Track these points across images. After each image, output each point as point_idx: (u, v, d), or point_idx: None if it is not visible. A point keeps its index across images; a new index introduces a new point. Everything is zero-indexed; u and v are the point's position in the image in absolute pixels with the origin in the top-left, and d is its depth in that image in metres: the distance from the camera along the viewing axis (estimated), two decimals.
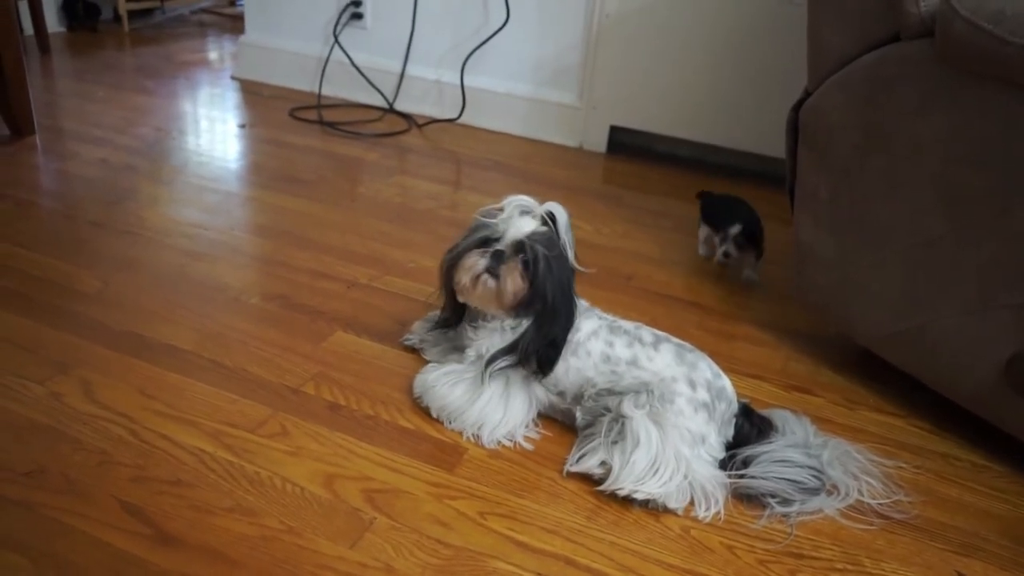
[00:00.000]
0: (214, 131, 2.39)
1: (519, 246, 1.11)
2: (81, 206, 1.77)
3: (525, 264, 1.10)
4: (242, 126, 2.44)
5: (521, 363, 1.14)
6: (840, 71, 1.26)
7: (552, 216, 1.12)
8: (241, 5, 3.41)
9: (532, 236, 1.11)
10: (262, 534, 0.94)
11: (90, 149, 2.11)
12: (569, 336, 1.14)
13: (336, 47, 2.68)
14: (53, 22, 3.28)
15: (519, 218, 1.13)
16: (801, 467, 1.07)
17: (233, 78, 2.91)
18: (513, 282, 1.11)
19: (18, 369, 1.19)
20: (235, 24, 3.79)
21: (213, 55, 3.29)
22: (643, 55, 2.33)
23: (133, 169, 2.02)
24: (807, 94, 1.35)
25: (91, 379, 1.19)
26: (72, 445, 1.05)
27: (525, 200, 1.13)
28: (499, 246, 1.12)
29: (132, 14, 3.51)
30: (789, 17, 2.12)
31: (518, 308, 1.13)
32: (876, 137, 1.22)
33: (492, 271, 1.12)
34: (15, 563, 0.87)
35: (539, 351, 1.13)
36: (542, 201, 1.14)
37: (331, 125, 2.49)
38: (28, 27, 3.05)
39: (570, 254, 1.13)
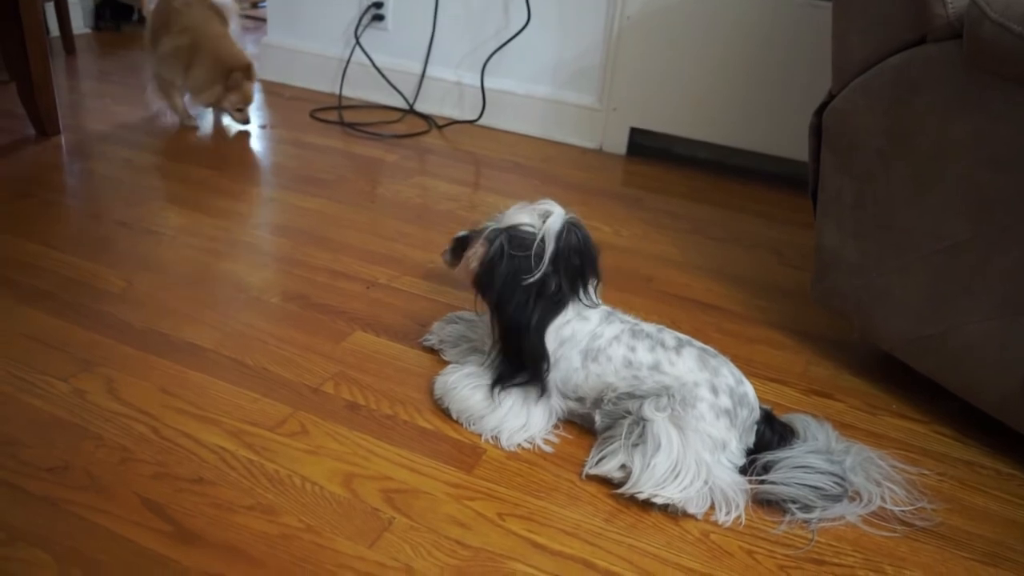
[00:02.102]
0: (235, 131, 2.41)
1: (491, 232, 1.12)
2: (106, 206, 1.79)
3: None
4: (263, 127, 2.45)
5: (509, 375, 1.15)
6: (865, 73, 1.25)
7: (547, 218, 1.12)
8: (264, 7, 3.44)
9: (510, 228, 1.11)
10: (282, 532, 0.95)
11: (114, 149, 2.14)
12: (590, 343, 1.13)
13: (357, 49, 2.69)
14: (79, 23, 3.32)
15: (518, 211, 1.13)
16: (823, 473, 1.06)
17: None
18: (467, 262, 1.15)
19: (43, 366, 1.20)
20: (257, 26, 3.82)
21: None
22: (664, 57, 2.32)
23: (156, 169, 2.04)
24: (831, 96, 1.34)
25: (114, 377, 1.20)
26: (95, 442, 1.06)
27: (548, 203, 1.13)
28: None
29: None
30: (812, 19, 2.10)
31: (478, 294, 1.16)
32: (901, 140, 1.21)
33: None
34: (39, 559, 0.88)
35: (500, 356, 1.15)
36: (566, 205, 1.14)
37: (352, 126, 2.50)
38: (54, 28, 3.09)
39: (544, 260, 1.08)
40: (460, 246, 1.43)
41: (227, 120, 2.43)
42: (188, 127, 2.37)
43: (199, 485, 1.00)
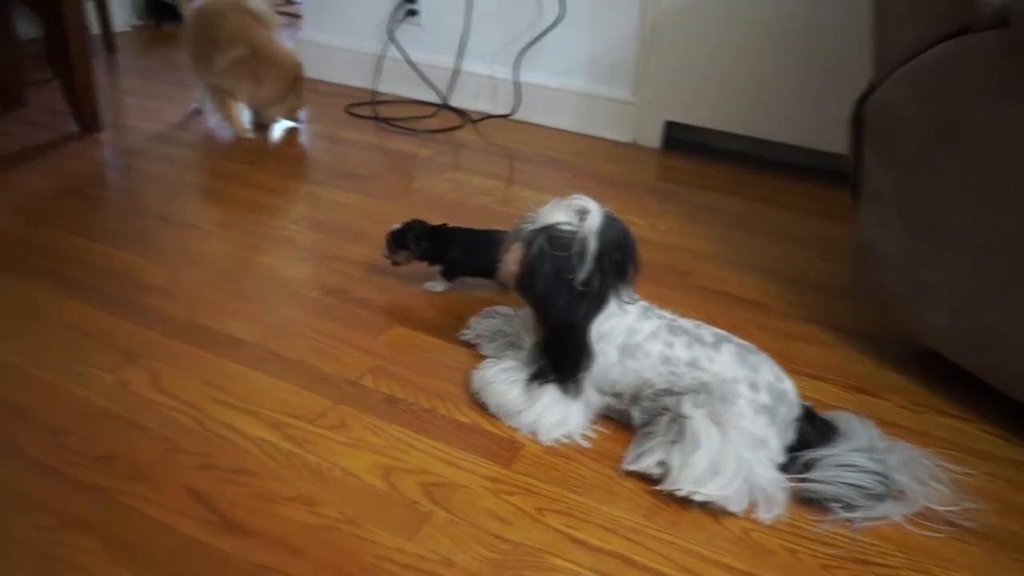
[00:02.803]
0: (272, 127, 2.43)
1: (529, 234, 1.11)
2: (146, 200, 1.82)
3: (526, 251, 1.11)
4: (299, 122, 2.47)
5: (546, 372, 1.14)
6: (908, 64, 1.22)
7: (585, 216, 1.10)
8: (298, 3, 3.46)
9: (548, 228, 1.10)
10: (322, 523, 0.96)
11: (154, 145, 2.17)
12: (628, 338, 1.13)
13: (391, 44, 2.70)
14: (120, 21, 3.37)
15: (553, 209, 1.12)
16: (866, 472, 1.04)
17: None
18: (507, 264, 1.14)
19: (90, 358, 1.23)
20: (292, 22, 3.85)
21: None
22: (699, 49, 2.29)
23: (195, 164, 2.07)
24: (872, 88, 1.32)
25: (158, 368, 1.22)
26: (140, 432, 1.08)
27: (582, 198, 1.12)
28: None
29: None
30: (851, 8, 2.07)
31: (520, 295, 1.15)
32: (946, 132, 1.18)
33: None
34: (88, 544, 0.90)
35: (545, 354, 1.14)
36: (600, 200, 1.13)
37: (386, 121, 2.51)
38: (94, 26, 3.14)
39: (587, 259, 1.07)
40: (396, 241, 1.46)
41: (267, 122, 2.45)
42: (244, 137, 2.33)
43: (242, 476, 1.02)
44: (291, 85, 2.30)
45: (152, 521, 0.94)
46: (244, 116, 2.39)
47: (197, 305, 1.40)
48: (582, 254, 1.07)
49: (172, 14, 3.56)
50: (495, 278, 1.46)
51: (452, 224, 1.50)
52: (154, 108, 2.48)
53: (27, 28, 2.97)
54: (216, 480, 1.01)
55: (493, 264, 1.42)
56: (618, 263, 1.12)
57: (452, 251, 1.46)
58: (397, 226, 1.47)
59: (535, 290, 1.11)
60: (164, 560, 0.89)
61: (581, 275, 1.07)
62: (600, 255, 1.08)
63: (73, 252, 1.55)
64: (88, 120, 2.19)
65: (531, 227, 1.12)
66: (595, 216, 1.09)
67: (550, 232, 1.09)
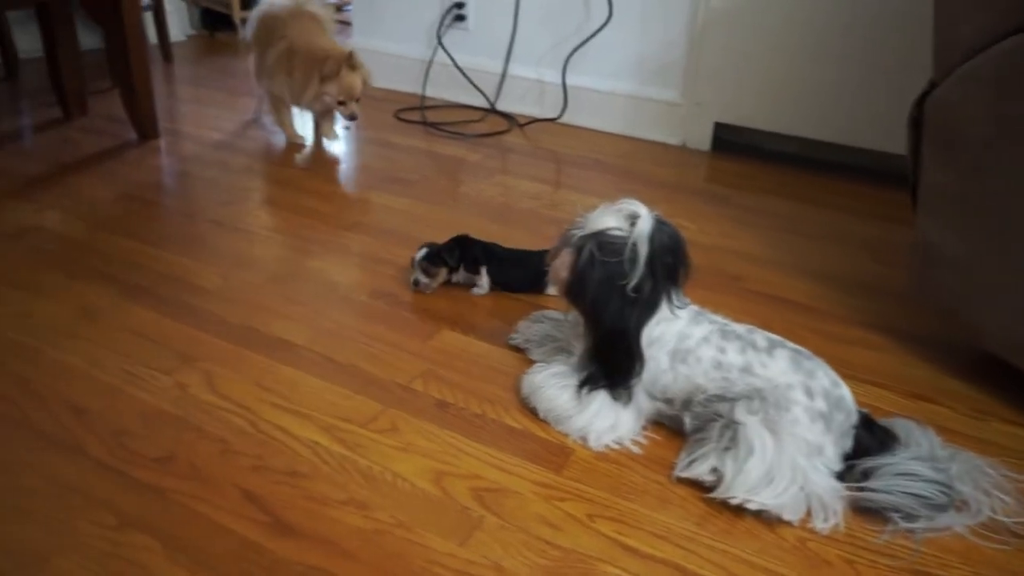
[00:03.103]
0: (329, 135, 2.46)
1: (579, 240, 1.10)
2: (201, 205, 1.86)
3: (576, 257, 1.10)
4: (347, 127, 2.50)
5: (595, 378, 1.14)
6: (971, 60, 1.19)
7: (635, 221, 1.08)
8: (348, 10, 3.51)
9: (597, 234, 1.08)
10: (374, 527, 0.96)
11: (209, 151, 2.22)
12: (679, 343, 1.11)
13: (439, 49, 2.72)
14: (176, 31, 3.46)
15: (602, 214, 1.11)
16: (927, 481, 1.01)
17: None
18: (557, 271, 1.13)
19: (148, 360, 1.26)
20: (342, 29, 3.90)
21: None
22: (751, 49, 2.26)
23: (249, 170, 2.10)
24: (932, 86, 1.28)
25: (213, 371, 1.24)
26: (196, 434, 1.10)
27: (631, 202, 1.11)
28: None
29: (246, 22, 3.66)
30: (905, 4, 2.01)
31: (570, 302, 1.15)
32: (1011, 130, 1.14)
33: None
34: (148, 544, 0.92)
35: (595, 361, 1.13)
36: (649, 203, 1.11)
37: (434, 126, 2.53)
38: (152, 36, 3.22)
39: (638, 264, 1.06)
40: (432, 259, 1.48)
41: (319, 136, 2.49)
42: (296, 144, 2.34)
43: (294, 478, 1.03)
44: (317, 68, 2.12)
45: (209, 522, 0.96)
46: (301, 126, 2.41)
47: (249, 308, 1.43)
48: (633, 259, 1.06)
49: (226, 24, 3.65)
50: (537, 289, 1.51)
51: (478, 239, 1.55)
52: (209, 115, 2.54)
53: (88, 39, 3.07)
54: (270, 482, 1.02)
55: (523, 281, 1.51)
56: (669, 267, 1.10)
57: (489, 267, 1.50)
58: (425, 248, 1.48)
59: (586, 297, 1.10)
60: (220, 561, 0.90)
61: (633, 281, 1.06)
62: (651, 260, 1.07)
63: (132, 256, 1.59)
64: (146, 128, 2.25)
65: (580, 233, 1.11)
66: (646, 220, 1.08)
67: (600, 238, 1.08)
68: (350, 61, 2.13)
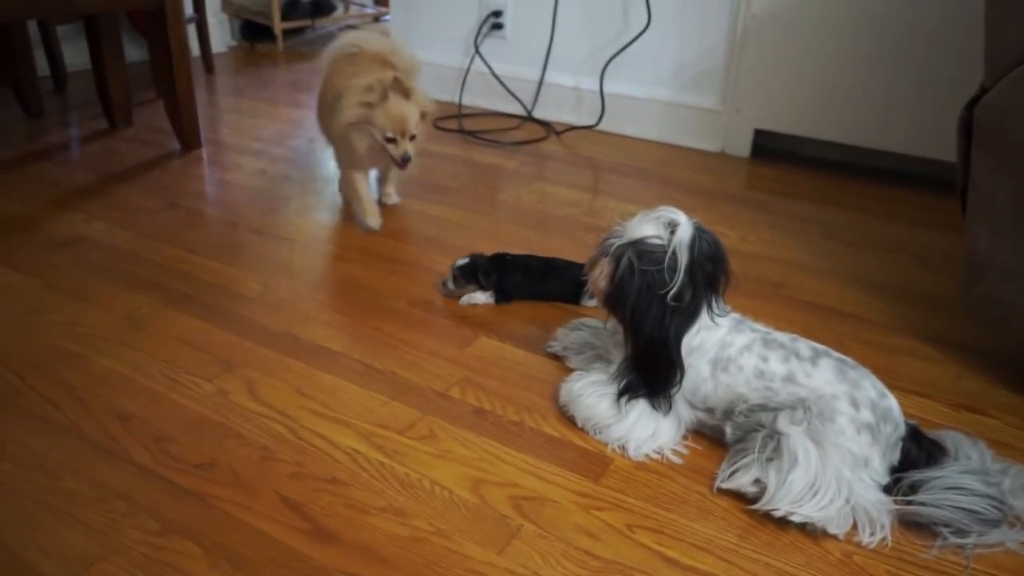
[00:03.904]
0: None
1: (617, 249, 1.09)
2: (242, 214, 1.89)
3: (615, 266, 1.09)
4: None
5: (635, 387, 1.13)
6: (1023, 64, 1.15)
7: (674, 229, 1.07)
8: (386, 20, 3.55)
9: (636, 242, 1.07)
10: (413, 535, 0.96)
11: (250, 161, 2.25)
12: (720, 352, 1.10)
13: (477, 58, 2.73)
14: (217, 42, 3.53)
15: (641, 222, 1.09)
16: (979, 496, 0.98)
17: None
18: (596, 281, 1.11)
19: (190, 367, 1.28)
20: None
21: None
22: (791, 55, 2.23)
23: (288, 179, 2.13)
24: (983, 90, 1.25)
25: (253, 378, 1.25)
26: (237, 440, 1.11)
27: (670, 210, 1.09)
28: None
29: (286, 33, 3.72)
30: (957, 6, 1.97)
31: (609, 311, 1.14)
32: None
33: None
34: (190, 550, 0.93)
35: (635, 370, 1.12)
36: (682, 209, 1.10)
37: (472, 134, 2.53)
38: (195, 48, 3.29)
39: (678, 273, 1.04)
40: (467, 273, 1.47)
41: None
42: (368, 230, 1.80)
43: (334, 485, 1.04)
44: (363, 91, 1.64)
45: (250, 528, 0.96)
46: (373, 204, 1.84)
47: (289, 316, 1.44)
48: (673, 268, 1.05)
49: (267, 35, 3.71)
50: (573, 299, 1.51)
51: (510, 253, 1.55)
52: (250, 125, 2.57)
53: (133, 52, 3.14)
54: (309, 489, 1.03)
55: (560, 292, 1.51)
56: (710, 275, 1.09)
57: (515, 277, 1.50)
58: (464, 260, 1.48)
59: (625, 306, 1.09)
60: (261, 568, 0.91)
61: (673, 289, 1.05)
62: (691, 268, 1.05)
63: (176, 265, 1.62)
64: (189, 137, 2.29)
65: (619, 241, 1.10)
66: (685, 228, 1.06)
67: (639, 246, 1.07)
68: (400, 86, 1.64)
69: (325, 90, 1.84)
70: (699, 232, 1.07)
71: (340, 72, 1.78)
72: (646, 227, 1.08)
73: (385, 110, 1.64)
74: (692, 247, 1.05)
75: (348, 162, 1.80)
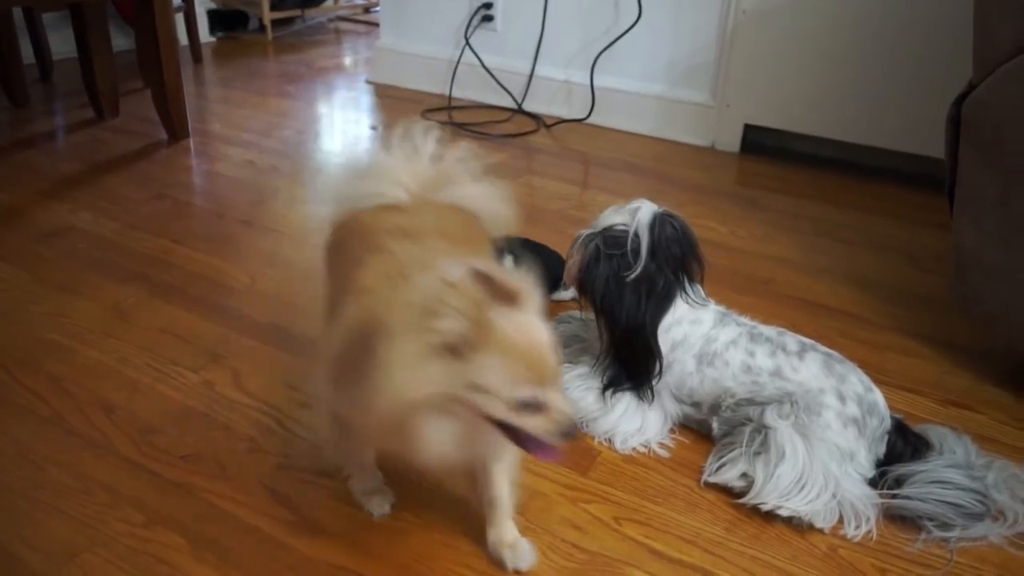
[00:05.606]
0: (349, 133, 2.48)
1: (586, 238, 1.12)
2: (230, 205, 1.87)
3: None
4: (374, 128, 2.51)
5: (619, 380, 1.13)
6: (1012, 60, 1.16)
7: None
8: (376, 12, 3.53)
9: (604, 230, 1.10)
10: (400, 528, 0.96)
11: (238, 151, 2.23)
12: (705, 346, 1.10)
13: (467, 49, 2.72)
14: (205, 32, 3.50)
15: (611, 213, 1.13)
16: (963, 489, 0.99)
17: (367, 82, 3.01)
18: (569, 271, 1.14)
19: (177, 358, 1.27)
20: (369, 30, 3.93)
21: (348, 60, 3.41)
22: (782, 50, 2.23)
23: (276, 170, 2.12)
24: (971, 87, 1.25)
25: (240, 369, 1.25)
26: (224, 432, 1.11)
27: (639, 201, 1.13)
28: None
29: (275, 23, 3.69)
30: (940, 5, 1.98)
31: (584, 300, 1.16)
32: None
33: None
34: (174, 542, 0.92)
35: (614, 360, 1.13)
36: (672, 204, 1.12)
37: (461, 126, 2.52)
38: (183, 38, 3.26)
39: (641, 255, 1.07)
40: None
41: (362, 124, 2.49)
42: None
43: (320, 477, 1.03)
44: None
45: (236, 520, 0.96)
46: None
47: (277, 307, 1.43)
48: (636, 250, 1.06)
49: (239, 25, 3.66)
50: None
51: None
52: (239, 116, 2.56)
53: (120, 41, 3.11)
54: (296, 481, 1.02)
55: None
56: (677, 259, 1.10)
57: None
58: None
59: (595, 292, 1.10)
60: (246, 559, 0.91)
61: (636, 270, 1.06)
62: (655, 251, 1.07)
63: (162, 256, 1.60)
64: (177, 128, 2.27)
65: (588, 232, 1.13)
66: (645, 211, 1.09)
67: (605, 234, 1.10)
68: (496, 287, 0.75)
69: (334, 290, 0.97)
70: (663, 216, 1.09)
71: (365, 262, 0.85)
72: (615, 216, 1.12)
73: (499, 351, 0.72)
74: (652, 228, 1.07)
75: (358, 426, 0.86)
